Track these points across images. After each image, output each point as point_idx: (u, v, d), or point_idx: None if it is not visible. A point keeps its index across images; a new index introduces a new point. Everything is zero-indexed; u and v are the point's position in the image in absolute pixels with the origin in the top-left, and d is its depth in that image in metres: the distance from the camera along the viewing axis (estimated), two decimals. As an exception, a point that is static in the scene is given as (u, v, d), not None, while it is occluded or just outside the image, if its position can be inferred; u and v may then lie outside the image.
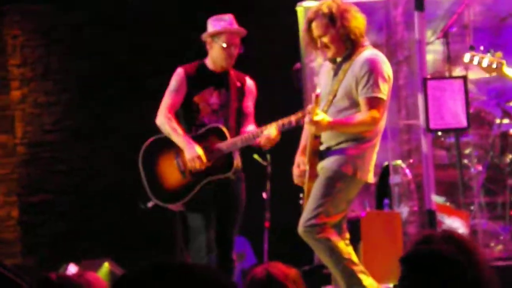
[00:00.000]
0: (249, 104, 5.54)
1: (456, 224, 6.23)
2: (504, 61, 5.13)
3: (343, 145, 4.78)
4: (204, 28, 5.53)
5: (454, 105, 5.48)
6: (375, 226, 5.88)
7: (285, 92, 7.19)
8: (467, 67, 6.46)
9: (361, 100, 4.72)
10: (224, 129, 5.38)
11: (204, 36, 5.47)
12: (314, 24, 4.80)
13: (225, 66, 5.46)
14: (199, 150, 5.32)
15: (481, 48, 5.06)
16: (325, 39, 4.78)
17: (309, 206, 4.76)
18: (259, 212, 7.06)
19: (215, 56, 5.45)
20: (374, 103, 4.70)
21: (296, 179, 5.00)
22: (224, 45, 5.38)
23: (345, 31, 4.74)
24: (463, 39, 6.90)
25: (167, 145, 5.44)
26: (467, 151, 6.82)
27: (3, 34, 9.03)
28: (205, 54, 5.56)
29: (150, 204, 5.47)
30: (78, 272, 3.52)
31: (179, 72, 5.50)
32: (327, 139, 4.82)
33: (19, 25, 9.03)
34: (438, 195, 6.15)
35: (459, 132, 6.45)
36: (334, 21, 4.74)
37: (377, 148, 4.88)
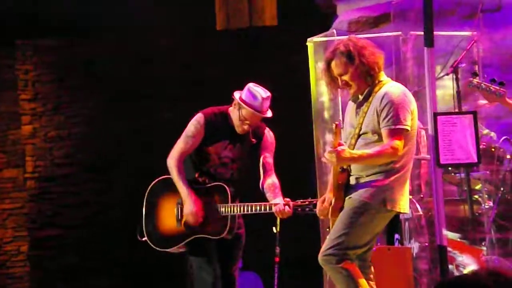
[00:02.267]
0: (267, 157, 5.48)
1: (468, 261, 6.19)
2: (506, 91, 5.17)
3: (371, 177, 4.80)
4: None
5: (464, 140, 5.47)
6: (385, 261, 5.84)
7: (294, 127, 7.20)
8: (477, 103, 6.47)
9: (383, 132, 4.77)
10: (228, 192, 5.34)
11: (234, 95, 5.42)
12: (333, 64, 4.85)
13: (236, 131, 5.43)
14: (197, 207, 5.32)
15: (484, 76, 5.11)
16: (345, 77, 4.83)
17: (331, 235, 4.79)
18: (270, 247, 7.04)
19: (234, 118, 5.43)
20: (395, 134, 4.74)
21: (318, 212, 5.05)
22: (242, 118, 5.36)
23: (364, 68, 4.79)
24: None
25: (175, 188, 5.41)
26: (477, 186, 6.80)
27: (14, 68, 9.10)
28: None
29: (144, 238, 5.49)
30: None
31: (199, 119, 5.43)
32: (357, 171, 4.85)
33: (30, 60, 9.10)
34: (450, 231, 6.12)
35: (469, 167, 6.43)
36: (352, 58, 4.79)
37: (407, 179, 4.89)
